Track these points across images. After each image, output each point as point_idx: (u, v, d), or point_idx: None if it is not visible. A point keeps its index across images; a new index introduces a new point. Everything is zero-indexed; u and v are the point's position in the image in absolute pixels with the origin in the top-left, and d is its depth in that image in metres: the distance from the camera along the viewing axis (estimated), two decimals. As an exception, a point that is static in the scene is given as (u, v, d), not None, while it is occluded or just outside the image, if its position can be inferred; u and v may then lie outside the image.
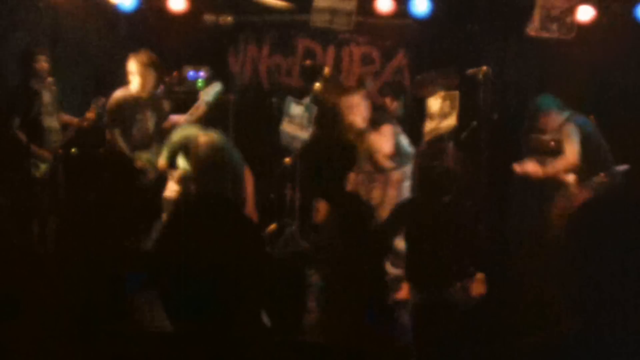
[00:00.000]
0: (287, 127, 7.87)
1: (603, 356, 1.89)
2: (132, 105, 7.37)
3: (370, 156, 7.67)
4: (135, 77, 7.33)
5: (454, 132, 7.51)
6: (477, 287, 5.38)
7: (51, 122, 7.50)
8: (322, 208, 5.99)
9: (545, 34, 7.74)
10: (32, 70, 7.42)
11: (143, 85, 7.34)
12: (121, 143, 7.35)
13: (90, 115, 7.54)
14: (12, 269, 3.70)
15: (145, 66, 7.34)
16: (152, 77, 7.40)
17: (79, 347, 2.77)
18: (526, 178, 7.52)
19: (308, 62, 8.63)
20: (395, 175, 7.69)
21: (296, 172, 7.95)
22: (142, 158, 7.39)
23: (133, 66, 7.33)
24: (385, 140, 7.68)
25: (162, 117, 7.53)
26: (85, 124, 7.58)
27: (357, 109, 7.74)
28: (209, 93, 7.44)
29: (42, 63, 7.45)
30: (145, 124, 7.42)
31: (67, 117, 7.68)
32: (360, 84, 8.76)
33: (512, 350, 1.97)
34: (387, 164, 7.67)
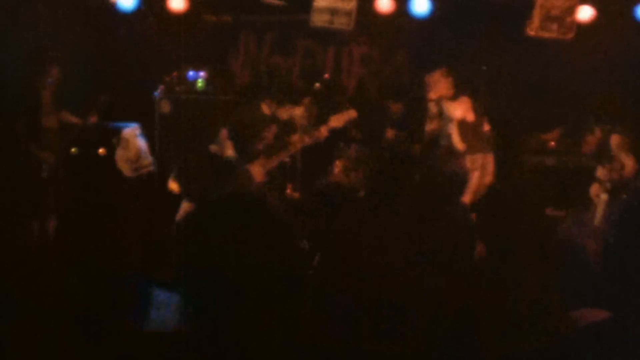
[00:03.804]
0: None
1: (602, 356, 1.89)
2: None
3: None
4: None
5: None
6: None
7: (51, 122, 7.49)
8: None
9: (545, 34, 7.75)
10: (41, 71, 7.42)
11: None
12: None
13: (92, 116, 7.55)
14: (12, 269, 3.71)
15: None
16: None
17: (79, 347, 2.77)
18: None
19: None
20: None
21: (296, 172, 7.94)
22: None
23: None
24: None
25: None
26: (88, 123, 7.57)
27: None
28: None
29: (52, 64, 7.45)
30: None
31: (69, 117, 7.64)
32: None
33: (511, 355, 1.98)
34: None
